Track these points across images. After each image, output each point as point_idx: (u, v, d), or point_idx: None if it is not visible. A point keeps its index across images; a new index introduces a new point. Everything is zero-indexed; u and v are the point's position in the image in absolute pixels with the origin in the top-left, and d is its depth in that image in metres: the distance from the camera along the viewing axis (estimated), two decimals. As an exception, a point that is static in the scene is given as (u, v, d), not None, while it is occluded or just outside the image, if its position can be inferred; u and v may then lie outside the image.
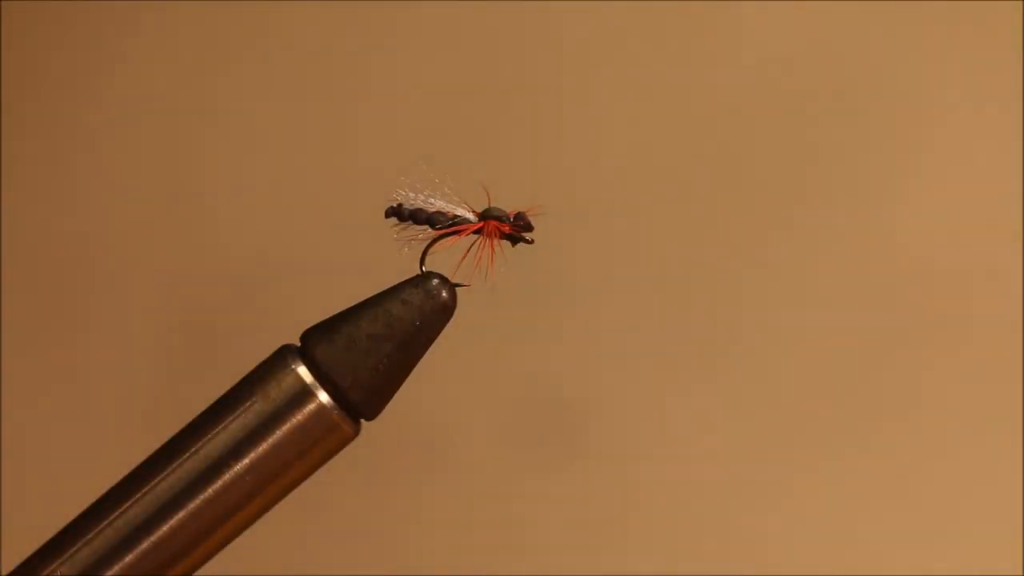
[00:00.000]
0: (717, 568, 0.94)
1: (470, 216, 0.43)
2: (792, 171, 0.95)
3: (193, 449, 0.39)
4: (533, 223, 0.43)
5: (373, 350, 0.40)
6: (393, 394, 0.41)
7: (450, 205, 0.43)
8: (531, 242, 0.44)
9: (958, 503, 0.93)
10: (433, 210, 0.43)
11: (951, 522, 0.93)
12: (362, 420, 0.41)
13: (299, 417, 0.40)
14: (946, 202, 0.94)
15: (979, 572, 0.91)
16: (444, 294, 0.41)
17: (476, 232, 0.43)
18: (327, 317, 0.40)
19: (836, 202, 0.95)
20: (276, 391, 0.40)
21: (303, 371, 0.40)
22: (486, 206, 0.43)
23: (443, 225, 0.43)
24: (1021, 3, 0.93)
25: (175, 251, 0.97)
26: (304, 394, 0.40)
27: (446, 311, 0.41)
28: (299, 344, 0.41)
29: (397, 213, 0.43)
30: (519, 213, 0.43)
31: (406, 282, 0.42)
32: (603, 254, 0.95)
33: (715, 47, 0.96)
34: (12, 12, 0.99)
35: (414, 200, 0.43)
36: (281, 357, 0.40)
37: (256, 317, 0.94)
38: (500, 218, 0.43)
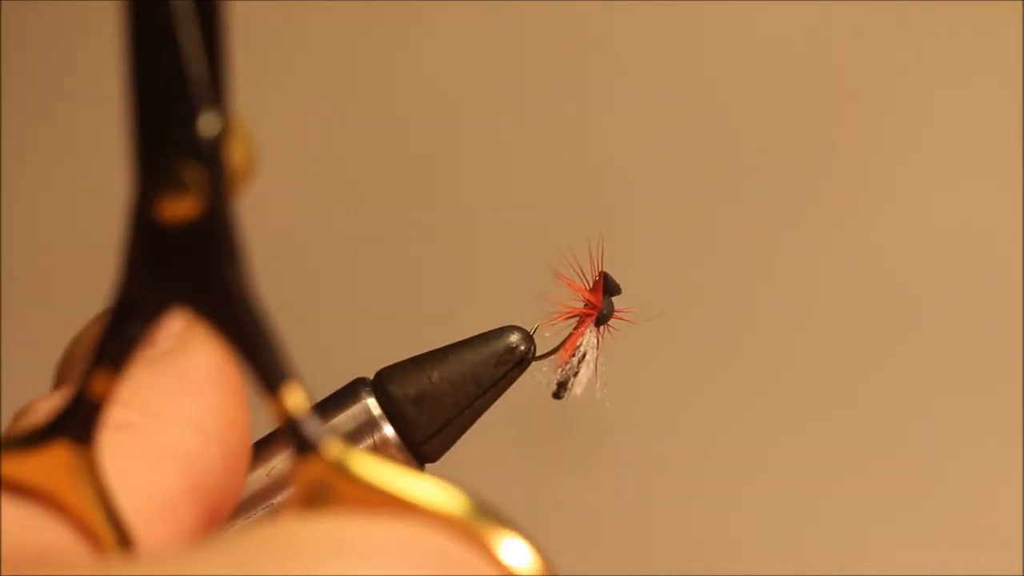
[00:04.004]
0: (720, 569, 0.94)
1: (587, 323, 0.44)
2: (791, 173, 0.95)
3: None
4: (616, 284, 0.44)
5: (449, 400, 0.41)
6: (458, 439, 0.41)
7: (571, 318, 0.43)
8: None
9: (958, 503, 0.93)
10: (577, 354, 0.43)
11: (951, 522, 0.93)
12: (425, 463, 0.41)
13: (364, 446, 0.40)
14: (950, 203, 0.94)
15: (979, 572, 0.92)
16: (528, 350, 0.42)
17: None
18: (403, 360, 0.41)
19: (839, 203, 0.95)
20: (345, 419, 0.40)
21: (372, 403, 0.40)
22: (595, 307, 0.44)
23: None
24: (1021, 3, 0.93)
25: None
26: (370, 426, 0.40)
27: (527, 363, 0.42)
28: (373, 379, 0.41)
29: (563, 388, 0.44)
30: (610, 285, 0.44)
31: (490, 337, 0.42)
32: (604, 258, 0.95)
33: (714, 48, 0.96)
34: (12, 12, 0.99)
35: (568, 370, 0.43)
36: (353, 389, 0.41)
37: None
38: (610, 315, 0.44)
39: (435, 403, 0.41)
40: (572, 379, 0.43)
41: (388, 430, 0.40)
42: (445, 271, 0.96)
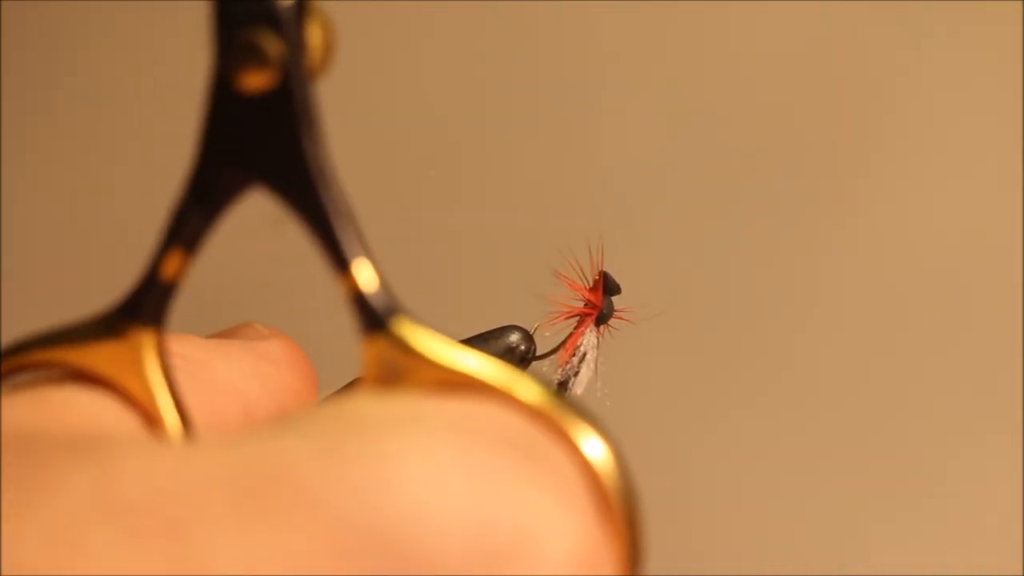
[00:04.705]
0: (720, 569, 0.94)
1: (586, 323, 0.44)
2: (791, 172, 0.95)
3: None
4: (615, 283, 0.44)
5: None
6: None
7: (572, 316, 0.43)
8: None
9: (958, 503, 0.93)
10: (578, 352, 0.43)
11: (951, 522, 0.93)
12: None
13: None
14: (951, 203, 0.94)
15: (979, 572, 0.91)
16: (528, 349, 0.42)
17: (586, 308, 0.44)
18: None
19: (838, 203, 0.95)
20: None
21: None
22: (596, 306, 0.43)
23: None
24: (1021, 3, 0.93)
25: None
26: None
27: (528, 363, 0.42)
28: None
29: (564, 388, 0.44)
30: (609, 285, 0.44)
31: (490, 337, 0.42)
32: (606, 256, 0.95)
33: (714, 48, 0.96)
34: (12, 12, 0.99)
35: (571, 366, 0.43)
36: (354, 388, 0.41)
37: (264, 318, 0.94)
38: (610, 315, 0.44)
39: None
40: (573, 379, 0.43)
41: None
42: (444, 270, 0.96)
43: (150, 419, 0.29)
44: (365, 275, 0.29)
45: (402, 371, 0.28)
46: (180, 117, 1.00)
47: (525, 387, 0.28)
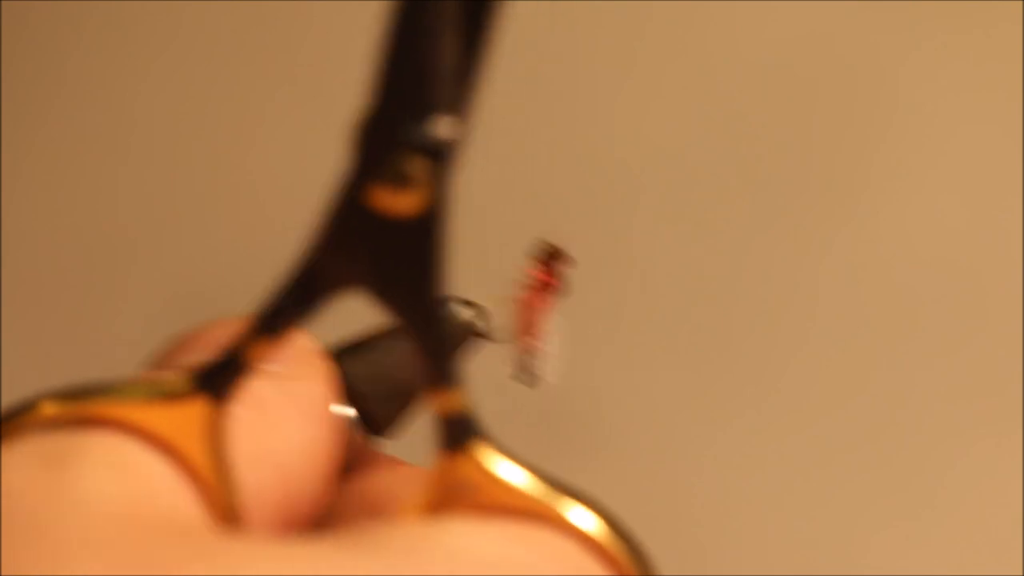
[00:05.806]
0: (720, 569, 0.94)
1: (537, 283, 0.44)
2: (793, 173, 0.95)
3: None
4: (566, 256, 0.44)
5: (402, 377, 0.41)
6: (410, 415, 0.42)
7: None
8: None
9: (958, 503, 0.93)
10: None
11: (951, 522, 0.93)
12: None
13: None
14: (952, 205, 0.94)
15: (979, 572, 0.92)
16: (475, 318, 0.42)
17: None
18: (353, 340, 0.41)
19: (840, 204, 0.95)
20: None
21: None
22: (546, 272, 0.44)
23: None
24: (1021, 3, 0.93)
25: (181, 251, 0.97)
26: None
27: (468, 335, 0.42)
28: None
29: (529, 378, 0.44)
30: (559, 255, 0.44)
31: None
32: (608, 257, 0.95)
33: (714, 51, 0.96)
34: (12, 12, 0.99)
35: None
36: None
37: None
38: (563, 284, 0.44)
39: (389, 381, 0.41)
40: (536, 360, 0.43)
41: (346, 410, 0.41)
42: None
43: (205, 490, 0.30)
44: (461, 399, 0.30)
45: (471, 490, 0.30)
46: (180, 117, 1.00)
47: (584, 515, 0.30)
